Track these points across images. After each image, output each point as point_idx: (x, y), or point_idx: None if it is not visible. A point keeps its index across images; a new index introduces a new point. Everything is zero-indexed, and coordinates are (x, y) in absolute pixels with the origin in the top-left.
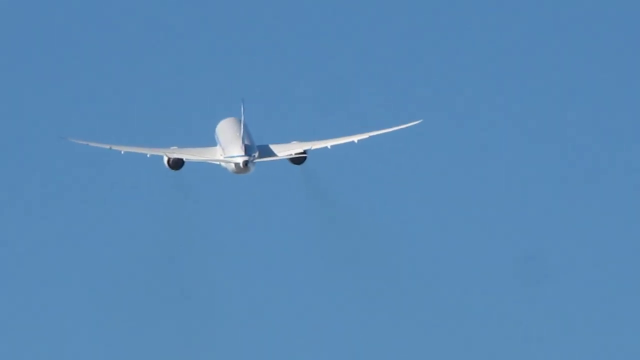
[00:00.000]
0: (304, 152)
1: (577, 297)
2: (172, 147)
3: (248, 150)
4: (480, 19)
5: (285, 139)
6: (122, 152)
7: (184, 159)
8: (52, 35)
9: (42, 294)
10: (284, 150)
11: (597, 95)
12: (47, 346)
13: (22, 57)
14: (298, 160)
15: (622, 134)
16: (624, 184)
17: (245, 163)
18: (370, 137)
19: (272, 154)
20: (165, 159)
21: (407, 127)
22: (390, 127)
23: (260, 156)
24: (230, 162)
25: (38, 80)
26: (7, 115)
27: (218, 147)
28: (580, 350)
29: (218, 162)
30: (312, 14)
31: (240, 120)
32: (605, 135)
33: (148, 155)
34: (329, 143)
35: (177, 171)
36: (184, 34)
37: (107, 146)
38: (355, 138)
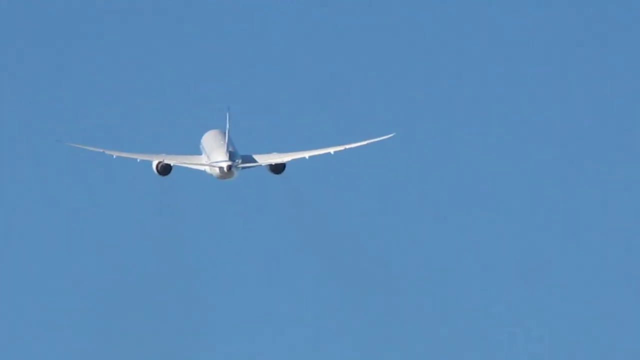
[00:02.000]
0: (283, 163)
1: (580, 297)
2: (160, 154)
3: (232, 156)
4: (453, 33)
5: (265, 150)
6: (114, 157)
7: (172, 165)
8: (49, 40)
9: (31, 297)
10: (265, 160)
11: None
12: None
13: (19, 59)
14: (277, 169)
15: (617, 136)
16: (624, 185)
17: (229, 167)
18: (345, 149)
19: (253, 161)
20: (154, 164)
21: (380, 140)
22: (365, 139)
23: (242, 163)
24: (215, 166)
25: (34, 83)
26: (3, 118)
27: (204, 155)
28: (582, 350)
29: (203, 168)
30: (293, 23)
31: (224, 132)
32: (600, 135)
33: (138, 160)
34: (306, 154)
35: (165, 176)
36: (177, 41)
37: (100, 150)
38: (331, 150)
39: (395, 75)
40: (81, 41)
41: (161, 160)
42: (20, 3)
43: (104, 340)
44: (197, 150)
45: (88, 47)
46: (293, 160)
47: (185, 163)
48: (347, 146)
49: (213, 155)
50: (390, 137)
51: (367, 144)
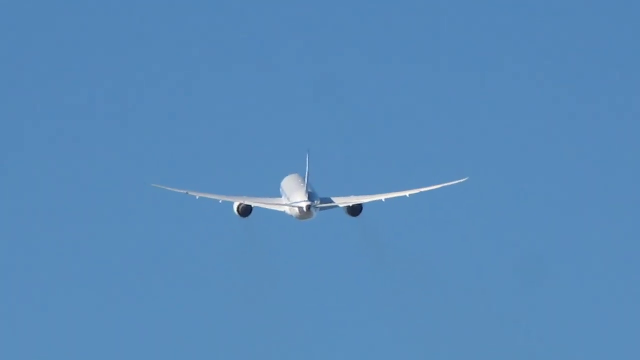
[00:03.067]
0: (360, 204)
1: (583, 297)
2: (242, 196)
3: (311, 197)
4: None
5: (343, 193)
6: (197, 197)
7: (253, 206)
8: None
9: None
10: (343, 202)
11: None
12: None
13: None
14: (355, 210)
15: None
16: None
17: (309, 207)
18: (420, 192)
19: (332, 202)
20: (236, 206)
21: (454, 184)
22: (439, 183)
23: (321, 204)
24: (295, 207)
25: (118, 124)
26: (90, 159)
27: (284, 197)
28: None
29: (283, 209)
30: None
31: (303, 176)
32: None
33: (220, 202)
34: (383, 197)
35: (246, 218)
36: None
37: (184, 192)
38: (407, 193)
39: (468, 116)
40: (165, 82)
41: (242, 201)
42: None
43: None
44: (276, 194)
45: (172, 86)
46: (370, 203)
47: (265, 204)
48: (423, 189)
49: (293, 196)
50: (464, 182)
51: (441, 188)
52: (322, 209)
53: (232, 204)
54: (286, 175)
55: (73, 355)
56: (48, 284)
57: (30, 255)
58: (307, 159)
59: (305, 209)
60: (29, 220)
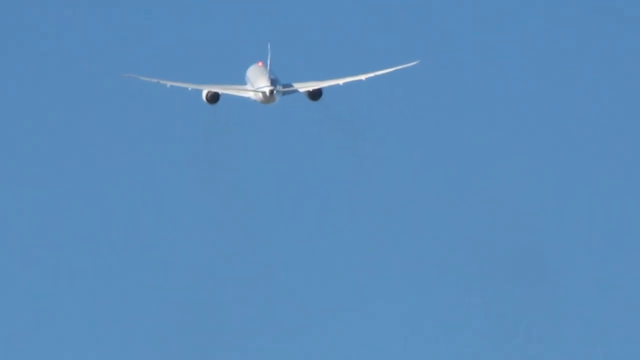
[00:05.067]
0: (320, 88)
1: (584, 297)
2: (210, 84)
3: (273, 83)
4: None
5: (305, 79)
6: (168, 86)
7: (220, 93)
8: None
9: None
10: (303, 87)
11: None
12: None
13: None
14: (314, 95)
15: (623, 133)
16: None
17: (271, 92)
18: (375, 75)
19: (293, 87)
20: (204, 93)
21: (406, 67)
22: (392, 66)
23: (283, 88)
24: (259, 91)
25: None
26: (63, 48)
27: (248, 84)
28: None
29: (248, 95)
30: None
31: (266, 63)
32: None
33: (189, 89)
34: (341, 81)
35: (214, 104)
36: None
37: (156, 80)
38: (363, 77)
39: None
40: None
41: (210, 89)
42: None
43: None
44: (241, 82)
45: None
46: (329, 87)
47: (232, 91)
48: (378, 72)
49: (257, 82)
50: (415, 64)
51: (394, 71)
52: (284, 93)
53: (200, 91)
54: (251, 64)
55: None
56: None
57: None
58: (269, 49)
59: (268, 93)
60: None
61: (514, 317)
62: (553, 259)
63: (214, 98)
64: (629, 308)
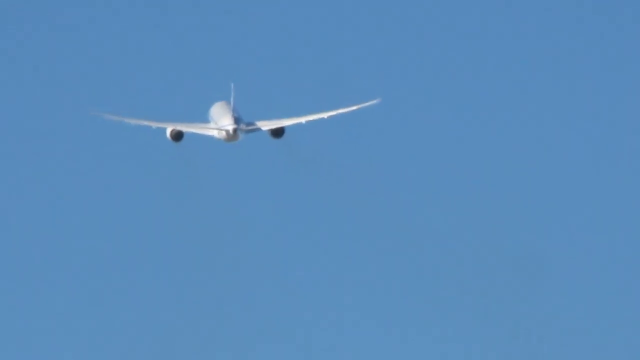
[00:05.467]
0: (282, 127)
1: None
2: (174, 122)
3: (237, 121)
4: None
5: (267, 117)
6: (132, 124)
7: (184, 131)
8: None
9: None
10: (266, 125)
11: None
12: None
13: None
14: (277, 133)
15: (623, 131)
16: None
17: (235, 130)
18: (338, 113)
19: (256, 126)
20: (168, 131)
21: (366, 106)
22: (355, 105)
23: (246, 127)
24: (222, 130)
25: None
26: (30, 89)
27: (212, 122)
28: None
29: (212, 134)
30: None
31: (229, 102)
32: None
33: (153, 128)
34: (303, 119)
35: (178, 142)
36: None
37: (119, 118)
38: (325, 115)
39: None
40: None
41: (174, 127)
42: None
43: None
44: (205, 120)
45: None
46: (292, 125)
47: (196, 129)
48: (340, 111)
49: (221, 121)
50: (376, 103)
51: (357, 109)
52: (247, 131)
53: (164, 129)
54: (214, 103)
55: None
56: None
57: None
58: (232, 89)
59: (232, 132)
60: None
61: (514, 318)
62: (553, 258)
63: (178, 136)
64: (629, 308)
